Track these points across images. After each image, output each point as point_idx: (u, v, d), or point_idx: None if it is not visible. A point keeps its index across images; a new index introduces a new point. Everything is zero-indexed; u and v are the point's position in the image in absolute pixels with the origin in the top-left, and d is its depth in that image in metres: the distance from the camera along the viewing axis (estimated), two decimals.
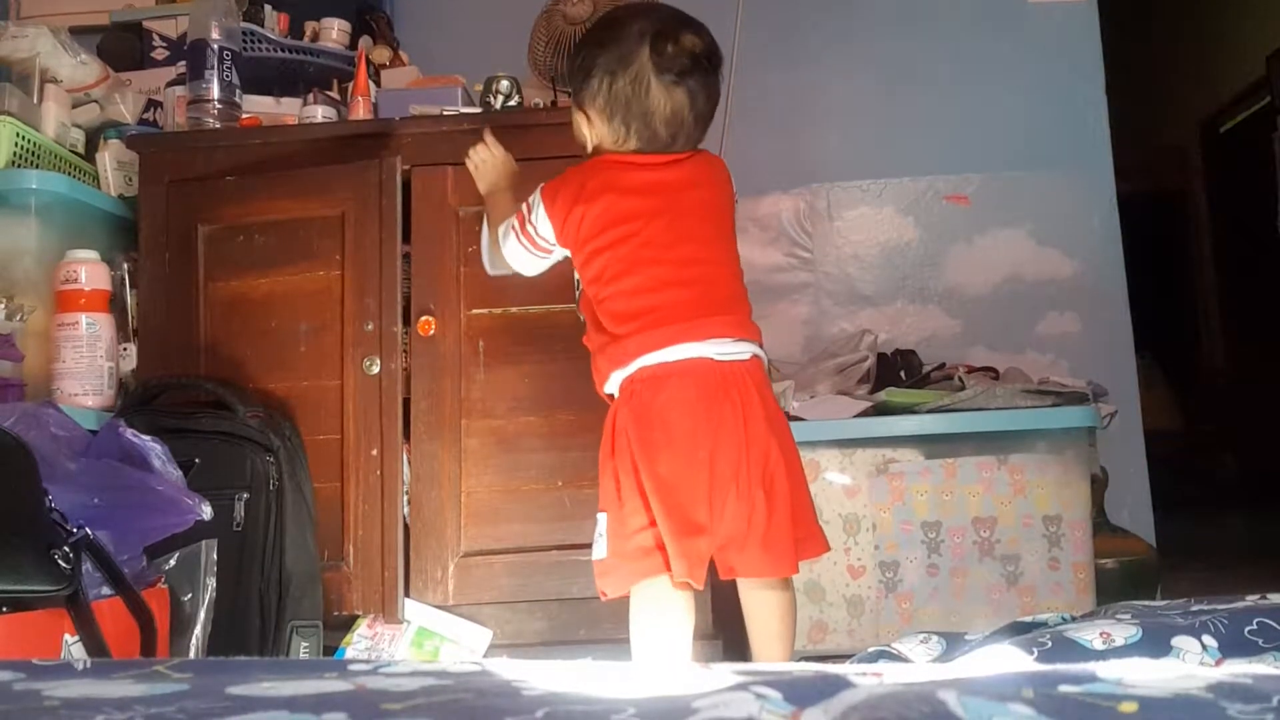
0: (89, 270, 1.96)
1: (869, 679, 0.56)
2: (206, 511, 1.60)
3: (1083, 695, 0.52)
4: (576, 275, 1.59)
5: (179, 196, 2.02)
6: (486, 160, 1.72)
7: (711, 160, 1.58)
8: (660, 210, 1.48)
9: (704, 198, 1.53)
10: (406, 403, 1.93)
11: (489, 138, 1.73)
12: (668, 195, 1.49)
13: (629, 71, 1.47)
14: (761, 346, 1.50)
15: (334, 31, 2.45)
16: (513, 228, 1.58)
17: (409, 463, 1.92)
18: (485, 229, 1.70)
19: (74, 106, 2.25)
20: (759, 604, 1.51)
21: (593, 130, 1.53)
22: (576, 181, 1.51)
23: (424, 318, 1.94)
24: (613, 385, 1.49)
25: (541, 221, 1.53)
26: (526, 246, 1.57)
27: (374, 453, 1.89)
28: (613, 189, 1.49)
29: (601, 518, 1.46)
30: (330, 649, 1.83)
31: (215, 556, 1.71)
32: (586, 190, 1.49)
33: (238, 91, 2.13)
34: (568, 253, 1.56)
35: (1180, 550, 2.80)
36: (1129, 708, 0.50)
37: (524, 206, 1.56)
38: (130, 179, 2.17)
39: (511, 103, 2.08)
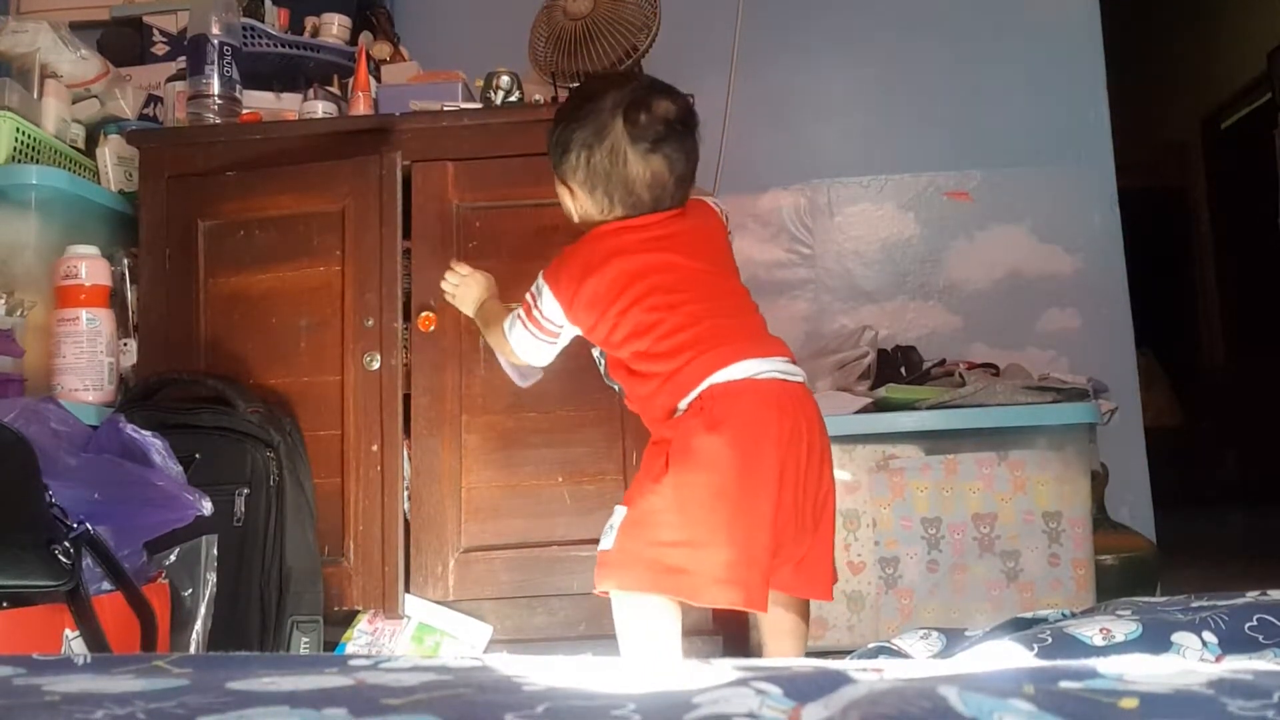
0: (89, 266, 1.96)
1: (869, 675, 0.56)
2: (207, 507, 1.60)
3: (1083, 691, 0.52)
4: (597, 351, 1.59)
5: (179, 192, 2.02)
6: (460, 284, 1.74)
7: (703, 209, 1.59)
8: (672, 262, 1.49)
9: (707, 246, 1.54)
10: (407, 398, 1.93)
11: (453, 262, 1.76)
12: (675, 248, 1.50)
13: (604, 145, 1.48)
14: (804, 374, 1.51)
15: (334, 27, 2.45)
16: (519, 317, 1.57)
17: (409, 458, 1.92)
18: (503, 359, 1.70)
19: (74, 102, 2.25)
20: (777, 622, 1.52)
21: (577, 202, 1.55)
22: (581, 256, 1.51)
23: (424, 313, 1.94)
24: (678, 412, 1.44)
25: (548, 304, 1.53)
26: (533, 333, 1.56)
27: (374, 448, 1.89)
28: (619, 253, 1.49)
29: (620, 510, 1.43)
30: (331, 644, 1.83)
31: (216, 552, 1.71)
32: (593, 261, 1.49)
33: (238, 87, 2.12)
34: (577, 331, 1.55)
35: (1180, 546, 2.80)
36: (1130, 704, 0.50)
37: (528, 296, 1.56)
38: (130, 174, 2.17)
39: (512, 98, 2.07)
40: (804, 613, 1.53)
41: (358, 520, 1.88)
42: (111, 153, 2.19)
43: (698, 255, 1.51)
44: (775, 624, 1.52)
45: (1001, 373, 2.31)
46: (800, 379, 1.47)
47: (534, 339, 1.57)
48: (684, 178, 1.52)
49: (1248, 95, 4.95)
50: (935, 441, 2.08)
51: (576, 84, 1.89)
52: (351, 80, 2.19)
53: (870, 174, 2.81)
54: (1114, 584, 2.08)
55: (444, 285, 1.77)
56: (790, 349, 1.51)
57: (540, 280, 1.55)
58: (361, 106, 2.13)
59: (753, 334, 1.48)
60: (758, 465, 1.37)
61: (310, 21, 2.47)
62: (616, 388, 1.58)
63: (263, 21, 2.35)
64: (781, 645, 1.53)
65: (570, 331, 1.56)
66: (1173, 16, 5.11)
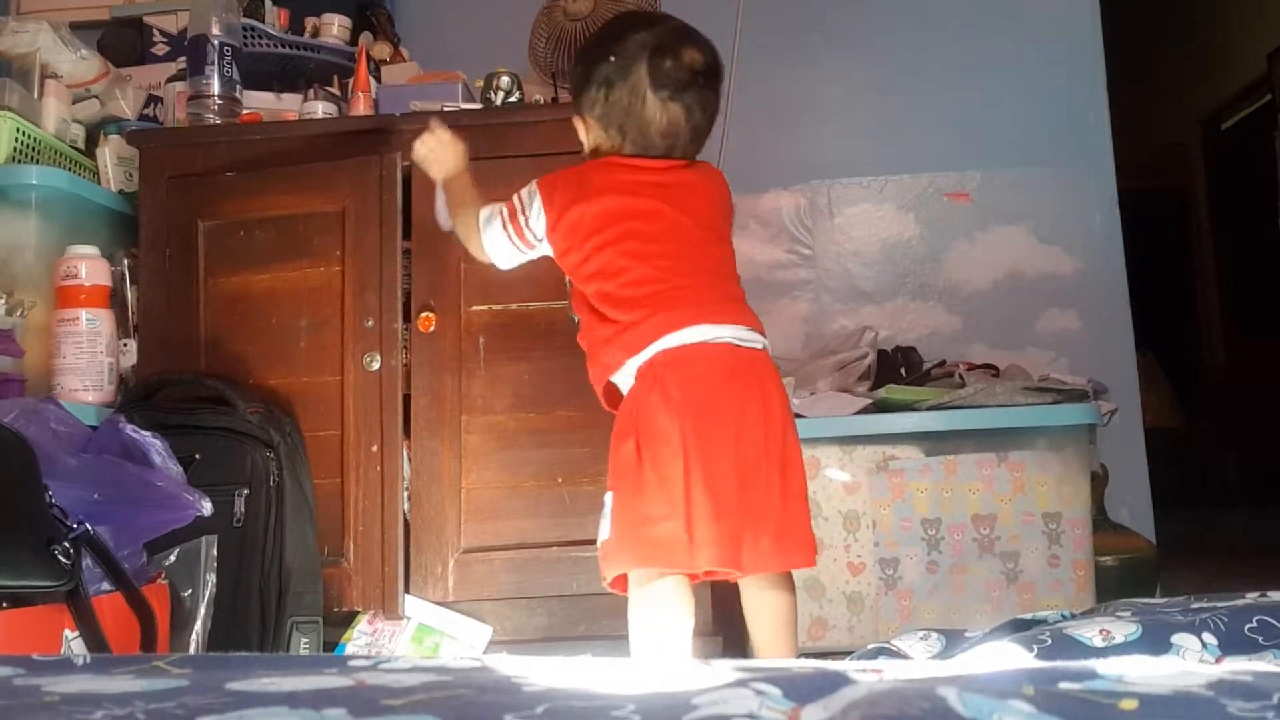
0: (89, 266, 1.96)
1: (869, 676, 0.56)
2: (207, 507, 1.61)
3: (1083, 692, 0.52)
4: (568, 280, 1.60)
5: (179, 192, 2.02)
6: (435, 148, 1.70)
7: (711, 172, 1.59)
8: (661, 211, 1.49)
9: (702, 204, 1.54)
10: (407, 399, 1.93)
11: (434, 124, 1.71)
12: (668, 198, 1.50)
13: (626, 84, 1.48)
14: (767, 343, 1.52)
15: (334, 27, 2.45)
16: (500, 216, 1.57)
17: (409, 459, 1.92)
18: (441, 200, 1.69)
19: (74, 102, 2.25)
20: (763, 606, 1.50)
21: (590, 135, 1.55)
22: (577, 180, 1.52)
23: (424, 314, 1.94)
24: (625, 373, 1.47)
25: (536, 216, 1.54)
26: (512, 238, 1.56)
27: (374, 449, 1.89)
28: (614, 189, 1.50)
29: (608, 497, 1.44)
30: (330, 645, 1.83)
31: (215, 552, 1.71)
32: (587, 189, 1.50)
33: (238, 87, 2.12)
34: (549, 251, 1.57)
35: (1180, 548, 2.80)
36: (1129, 705, 0.50)
37: (516, 198, 1.56)
38: (130, 174, 2.16)
39: (512, 99, 2.07)
40: (787, 586, 1.51)
41: (357, 521, 1.88)
42: (112, 153, 2.18)
43: (689, 210, 1.51)
44: (758, 606, 1.51)
45: (1001, 374, 2.31)
46: (758, 346, 1.48)
47: (509, 244, 1.57)
48: (699, 129, 1.52)
49: (1248, 96, 4.96)
50: (935, 442, 2.08)
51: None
52: (351, 80, 2.19)
53: (870, 175, 2.81)
54: (1114, 585, 2.08)
55: (418, 145, 1.70)
56: (760, 321, 1.51)
57: (534, 187, 1.54)
58: (362, 107, 2.13)
59: (717, 298, 1.48)
60: (717, 431, 1.39)
61: (310, 22, 2.47)
62: (575, 319, 1.58)
63: (263, 22, 2.35)
64: (765, 627, 1.50)
65: (545, 248, 1.57)
66: (1173, 17, 5.12)
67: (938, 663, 1.14)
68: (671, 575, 1.41)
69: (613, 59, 1.49)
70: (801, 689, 0.53)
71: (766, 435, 1.43)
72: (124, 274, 2.08)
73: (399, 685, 0.56)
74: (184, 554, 1.69)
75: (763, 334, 1.50)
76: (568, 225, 1.51)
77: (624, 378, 1.48)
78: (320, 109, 2.17)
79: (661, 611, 1.42)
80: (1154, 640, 1.05)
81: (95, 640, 1.34)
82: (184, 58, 2.19)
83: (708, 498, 1.37)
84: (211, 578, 1.70)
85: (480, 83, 2.13)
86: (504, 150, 1.98)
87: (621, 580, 1.45)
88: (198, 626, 1.67)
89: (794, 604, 1.51)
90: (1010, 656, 1.09)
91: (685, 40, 1.50)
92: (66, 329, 1.94)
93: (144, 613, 1.46)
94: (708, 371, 1.42)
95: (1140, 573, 2.25)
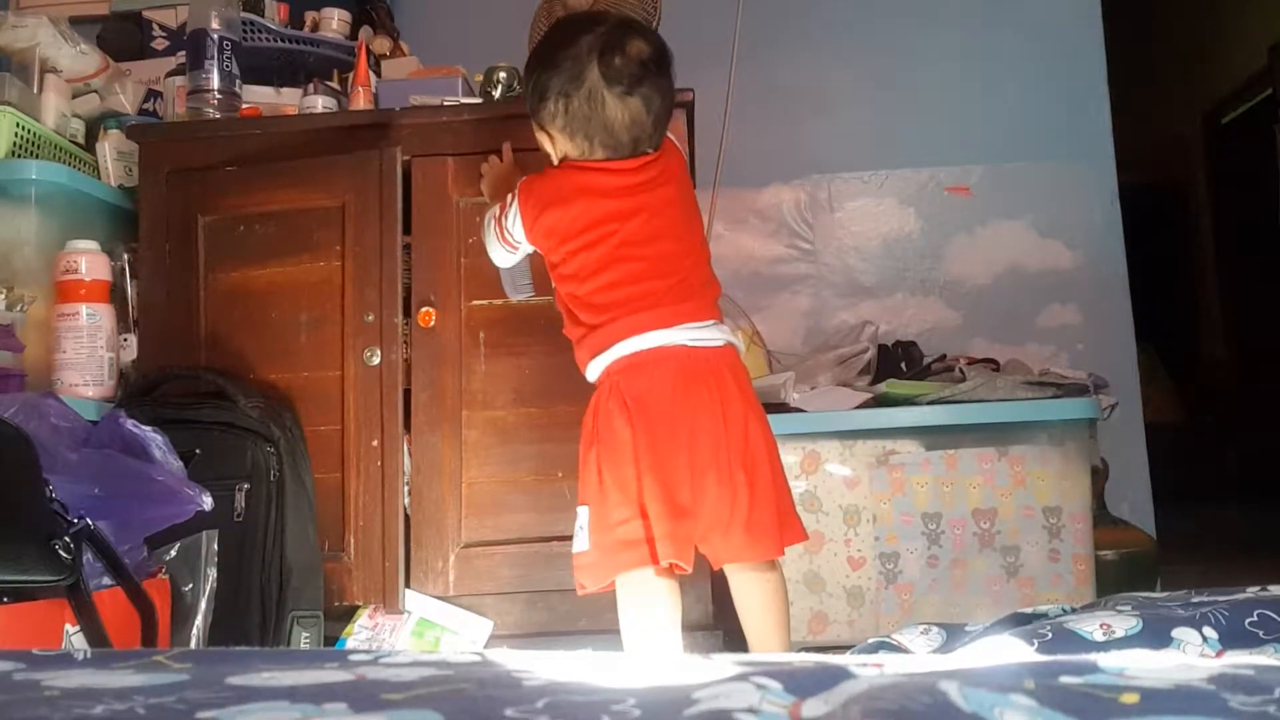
0: (89, 261, 1.96)
1: (870, 670, 0.56)
2: (207, 502, 1.60)
3: (1084, 686, 0.52)
4: None
5: (179, 187, 2.02)
6: (489, 170, 1.82)
7: (670, 153, 1.60)
8: (636, 210, 1.52)
9: (672, 194, 1.56)
10: (407, 394, 1.92)
11: (505, 146, 1.83)
12: (642, 195, 1.53)
13: (582, 91, 1.50)
14: (730, 331, 1.55)
15: (334, 21, 2.44)
16: (493, 216, 1.64)
17: (409, 454, 1.92)
18: (504, 276, 1.78)
19: (74, 96, 2.25)
20: (748, 590, 1.54)
21: (556, 146, 1.57)
22: (553, 185, 1.55)
23: (424, 309, 1.93)
24: (593, 374, 1.53)
25: (513, 218, 1.58)
26: (499, 239, 1.63)
27: (374, 444, 1.89)
28: (588, 193, 1.52)
29: (583, 510, 1.49)
30: (331, 639, 1.83)
31: (216, 547, 1.72)
32: (562, 193, 1.53)
33: (238, 82, 2.12)
34: (533, 249, 1.61)
35: (1180, 542, 2.80)
36: (1130, 699, 0.50)
37: (508, 197, 1.60)
38: (130, 169, 2.16)
39: (511, 93, 2.07)
40: (770, 566, 1.54)
41: (358, 515, 1.88)
42: (111, 147, 2.18)
43: (663, 208, 1.54)
44: (744, 590, 1.54)
45: (1002, 368, 2.30)
46: (714, 344, 1.50)
47: (499, 243, 1.65)
48: (661, 117, 1.54)
49: (1249, 90, 4.95)
50: (935, 437, 2.07)
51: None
52: (351, 75, 2.19)
53: (871, 169, 2.81)
54: (1114, 579, 2.08)
55: (483, 167, 1.85)
56: (715, 304, 1.55)
57: (517, 191, 1.59)
58: (361, 101, 2.12)
59: (679, 298, 1.51)
60: (669, 436, 1.44)
61: (310, 16, 2.46)
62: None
63: (262, 16, 2.35)
64: (754, 610, 1.54)
65: (527, 248, 1.62)
66: (1173, 11, 5.11)
67: (938, 657, 1.15)
68: (649, 568, 1.44)
69: (564, 68, 1.51)
70: (802, 683, 0.53)
71: (726, 435, 1.46)
72: (124, 269, 2.08)
73: (399, 680, 0.56)
74: (184, 549, 1.69)
75: (720, 321, 1.53)
76: (543, 230, 1.55)
77: (593, 377, 1.54)
78: (320, 104, 2.16)
79: (646, 606, 1.46)
80: (1155, 634, 1.05)
81: (96, 635, 1.34)
82: (184, 52, 2.19)
83: (659, 499, 1.42)
84: (212, 572, 1.70)
85: (480, 77, 2.13)
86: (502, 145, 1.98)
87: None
88: (198, 621, 1.68)
89: (779, 581, 1.55)
90: (1011, 651, 1.09)
91: (628, 34, 1.52)
92: (66, 324, 1.94)
93: (144, 607, 1.46)
94: (660, 377, 1.46)
95: (1141, 567, 2.25)
